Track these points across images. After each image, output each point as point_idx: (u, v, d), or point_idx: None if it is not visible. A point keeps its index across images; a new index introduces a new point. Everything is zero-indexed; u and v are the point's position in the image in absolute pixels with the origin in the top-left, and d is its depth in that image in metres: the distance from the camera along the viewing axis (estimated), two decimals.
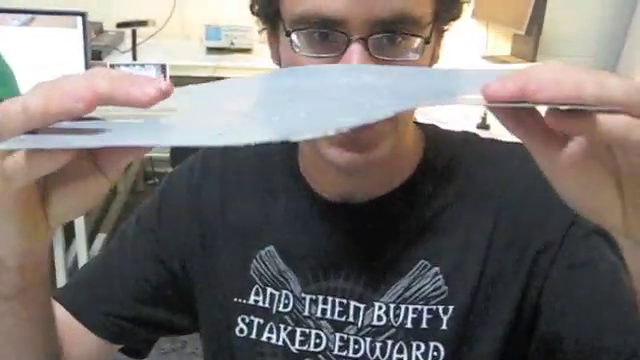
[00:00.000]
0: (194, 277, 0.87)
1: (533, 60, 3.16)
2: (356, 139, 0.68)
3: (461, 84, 0.46)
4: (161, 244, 0.87)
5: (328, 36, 0.66)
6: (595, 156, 0.44)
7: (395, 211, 0.78)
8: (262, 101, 0.50)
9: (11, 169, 0.46)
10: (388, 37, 0.65)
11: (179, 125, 0.46)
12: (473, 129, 2.53)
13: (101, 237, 3.09)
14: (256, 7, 0.74)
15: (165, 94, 0.44)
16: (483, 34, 3.45)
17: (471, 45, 3.39)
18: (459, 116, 2.59)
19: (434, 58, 0.74)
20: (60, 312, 0.82)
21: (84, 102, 0.43)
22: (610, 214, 0.45)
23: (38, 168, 0.46)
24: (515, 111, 0.43)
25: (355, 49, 0.64)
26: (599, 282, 0.69)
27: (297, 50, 0.68)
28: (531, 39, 3.13)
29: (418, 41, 0.67)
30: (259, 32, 0.76)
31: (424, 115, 2.58)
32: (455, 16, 0.73)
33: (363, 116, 0.42)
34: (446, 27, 0.74)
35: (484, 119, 2.59)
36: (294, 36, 0.67)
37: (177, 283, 0.87)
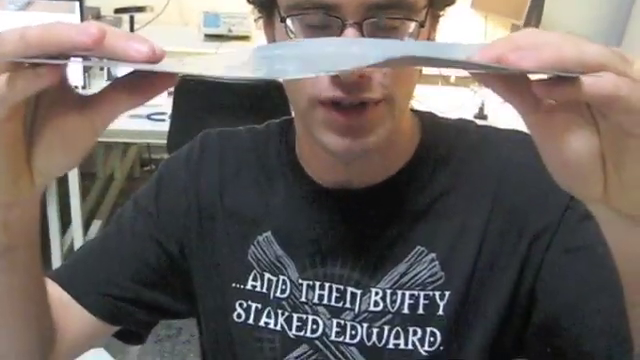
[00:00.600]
0: (192, 261, 0.87)
1: None
2: (354, 125, 0.68)
3: (449, 52, 0.47)
4: (159, 227, 0.87)
5: (323, 21, 0.66)
6: (580, 123, 0.44)
7: (392, 198, 0.79)
8: (252, 60, 0.51)
9: None
10: (382, 21, 0.65)
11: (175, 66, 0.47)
12: (471, 118, 2.53)
13: (97, 223, 3.09)
14: None
15: (157, 55, 0.43)
16: (482, 25, 3.45)
17: (470, 35, 3.39)
18: (457, 106, 2.59)
19: None
20: (56, 291, 0.82)
21: (89, 36, 0.42)
22: (592, 183, 0.46)
23: (18, 90, 0.45)
24: (506, 79, 0.44)
25: (350, 33, 0.64)
26: (595, 266, 0.70)
27: (292, 36, 0.68)
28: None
29: (413, 25, 0.67)
30: (255, 20, 0.77)
31: (422, 104, 2.58)
32: (450, 1, 0.73)
33: (353, 63, 0.43)
34: (441, 12, 0.74)
35: (481, 109, 2.60)
36: (289, 22, 0.67)
37: (175, 266, 0.87)
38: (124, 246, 0.86)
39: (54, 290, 0.81)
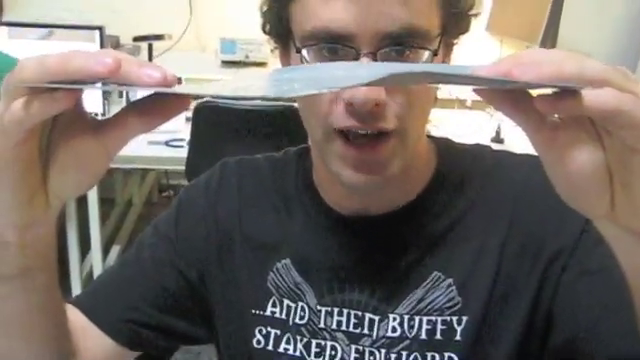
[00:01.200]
0: (211, 287, 0.87)
1: None
2: (367, 160, 0.69)
3: (455, 69, 0.48)
4: (179, 254, 0.87)
5: (337, 51, 0.67)
6: (585, 140, 0.45)
7: (408, 224, 0.79)
8: (261, 83, 0.52)
9: (7, 119, 0.47)
10: (396, 51, 0.67)
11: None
12: (487, 142, 2.53)
13: (116, 249, 3.11)
14: (267, 27, 0.76)
15: (169, 80, 0.45)
16: (497, 48, 3.45)
17: (485, 59, 3.40)
18: (473, 130, 2.59)
19: None
20: (77, 317, 0.83)
21: (104, 65, 0.44)
22: (598, 200, 0.46)
23: (34, 114, 0.46)
24: (509, 95, 0.45)
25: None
26: (612, 288, 0.69)
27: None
28: None
29: (426, 54, 0.68)
30: (271, 51, 0.78)
31: (438, 128, 2.59)
32: (463, 30, 0.75)
33: (357, 81, 0.44)
34: (455, 41, 0.75)
35: (498, 133, 2.60)
36: (304, 52, 0.69)
37: (195, 293, 0.87)
38: (144, 272, 0.87)
39: (75, 316, 0.82)
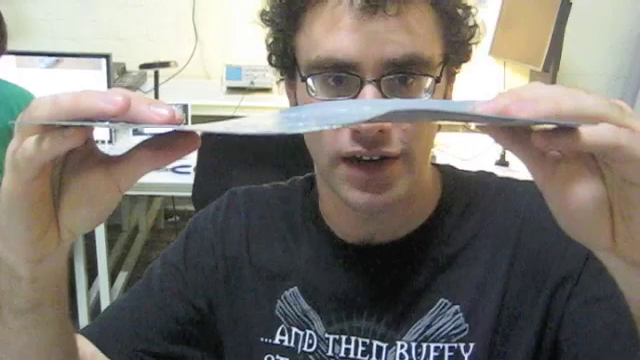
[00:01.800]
0: (220, 316, 0.88)
1: None
2: (372, 180, 0.70)
3: (456, 106, 0.49)
4: (187, 283, 0.88)
5: (342, 79, 0.69)
6: (585, 173, 0.45)
7: (414, 251, 0.80)
8: (266, 122, 0.53)
9: (20, 156, 0.48)
10: (400, 78, 0.68)
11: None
12: (492, 165, 2.54)
13: (123, 275, 3.11)
14: (273, 58, 0.77)
15: (177, 119, 0.46)
16: (501, 71, 3.47)
17: (489, 82, 3.41)
18: (478, 153, 2.60)
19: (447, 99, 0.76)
20: (88, 347, 0.83)
21: (115, 104, 0.45)
22: (599, 232, 0.46)
23: (45, 151, 0.47)
24: (509, 130, 0.45)
25: (368, 90, 0.67)
26: (617, 315, 0.70)
27: (312, 94, 0.70)
28: (548, 75, 3.15)
29: (429, 81, 0.70)
30: (277, 83, 0.80)
31: (443, 152, 2.60)
32: (465, 59, 0.76)
33: (359, 117, 0.45)
34: (457, 70, 0.77)
35: (503, 156, 2.60)
36: (310, 81, 0.70)
37: (204, 321, 0.88)
38: (153, 302, 0.88)
39: (86, 346, 0.82)
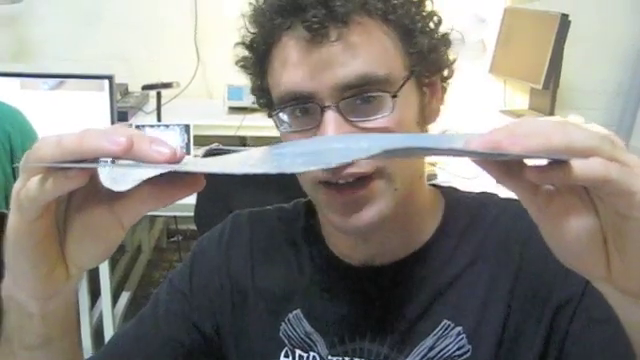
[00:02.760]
0: (225, 338, 0.88)
1: (551, 113, 3.18)
2: (349, 201, 0.71)
3: (449, 141, 0.50)
4: (193, 307, 0.88)
5: (306, 109, 0.71)
6: (579, 206, 0.46)
7: (417, 273, 0.80)
8: (264, 156, 0.55)
9: (24, 196, 0.49)
10: (357, 99, 0.70)
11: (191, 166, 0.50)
12: (494, 184, 2.53)
13: (126, 295, 3.10)
14: (259, 101, 0.80)
15: (178, 157, 0.47)
16: (501, 89, 3.49)
17: (490, 100, 3.43)
18: (480, 171, 2.60)
19: (430, 113, 0.77)
20: None
21: (118, 145, 0.46)
22: (594, 263, 0.47)
23: (48, 191, 0.48)
24: (502, 164, 0.46)
25: (329, 116, 0.69)
26: (620, 337, 0.70)
27: (282, 128, 0.73)
28: (548, 93, 3.17)
29: (387, 97, 0.70)
30: (269, 117, 0.80)
31: (446, 170, 2.60)
32: (434, 69, 0.76)
33: (349, 157, 0.46)
34: (431, 79, 0.77)
35: None
36: (281, 115, 0.73)
37: (210, 345, 0.88)
38: (159, 327, 0.88)
39: None
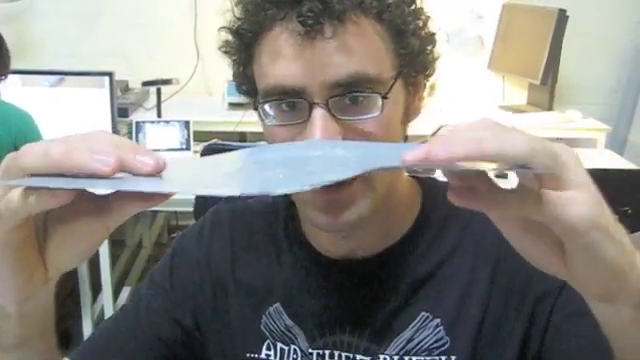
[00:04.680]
0: (207, 333, 0.88)
1: (550, 108, 3.20)
2: (332, 201, 0.71)
3: (385, 161, 0.51)
4: (174, 302, 0.88)
5: (294, 104, 0.70)
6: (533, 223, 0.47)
7: (395, 265, 0.81)
8: (246, 167, 0.54)
9: (4, 207, 0.48)
10: (347, 98, 0.69)
11: (177, 178, 0.50)
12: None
13: (127, 289, 3.12)
14: (240, 88, 0.79)
15: (160, 166, 0.48)
16: (500, 85, 3.50)
17: (488, 96, 3.44)
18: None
19: (413, 111, 0.77)
20: None
21: (107, 165, 0.46)
22: (554, 266, 0.49)
23: (31, 206, 0.47)
24: (465, 176, 0.46)
25: (317, 113, 0.68)
26: (599, 330, 0.71)
27: (267, 121, 0.72)
28: (546, 88, 3.18)
29: (377, 97, 0.70)
30: (254, 108, 0.80)
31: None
32: (421, 69, 0.76)
33: (333, 176, 0.47)
34: (419, 79, 0.77)
35: None
36: (266, 107, 0.72)
37: (190, 340, 0.88)
38: (140, 323, 0.88)
39: None
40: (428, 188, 0.85)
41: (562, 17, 3.05)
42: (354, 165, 0.48)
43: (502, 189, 0.46)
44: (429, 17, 0.76)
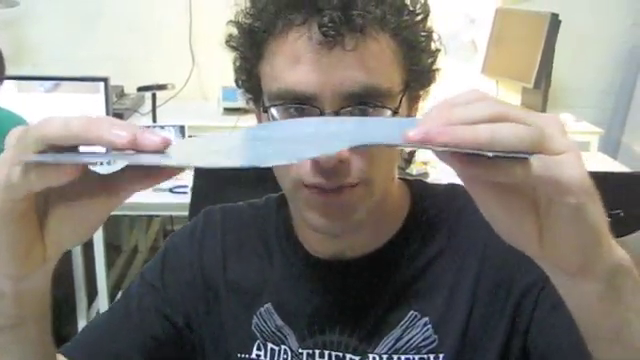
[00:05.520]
0: (198, 332, 0.89)
1: (543, 111, 3.21)
2: (331, 204, 0.72)
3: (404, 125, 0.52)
4: (164, 301, 0.89)
5: (303, 110, 0.71)
6: (516, 189, 0.49)
7: (384, 266, 0.82)
8: (238, 145, 0.55)
9: (17, 177, 0.48)
10: (358, 109, 0.70)
11: (180, 153, 0.51)
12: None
13: None
14: (240, 82, 0.80)
15: (166, 141, 0.48)
16: (494, 89, 3.52)
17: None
18: None
19: None
20: None
21: (123, 139, 0.47)
22: (528, 239, 0.50)
23: (43, 180, 0.48)
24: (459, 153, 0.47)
25: None
26: None
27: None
28: (540, 92, 3.20)
29: (388, 112, 0.72)
30: (247, 102, 0.81)
31: (437, 169, 2.63)
32: (426, 84, 0.78)
33: (323, 150, 0.49)
34: (421, 93, 0.79)
35: None
36: (273, 110, 0.73)
37: (181, 338, 0.89)
38: (131, 320, 0.88)
39: None
40: (417, 190, 0.87)
41: (554, 21, 3.08)
42: (349, 138, 0.49)
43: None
44: (439, 34, 0.78)
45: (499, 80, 3.50)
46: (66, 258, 0.60)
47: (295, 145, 0.51)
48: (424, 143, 0.45)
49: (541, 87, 3.17)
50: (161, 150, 0.48)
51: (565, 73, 3.38)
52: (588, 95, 3.60)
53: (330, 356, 0.82)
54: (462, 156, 0.46)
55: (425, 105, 0.81)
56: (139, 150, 0.47)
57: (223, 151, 0.52)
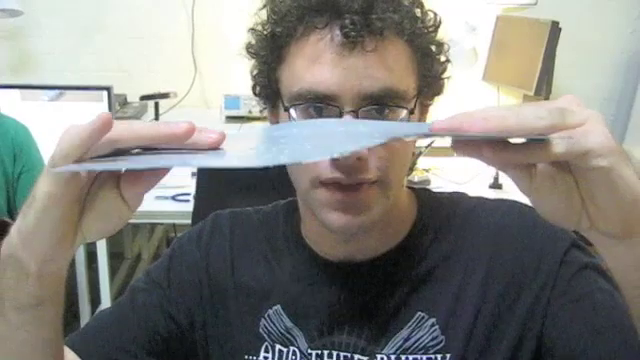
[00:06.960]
0: (204, 333, 0.91)
1: None
2: (349, 202, 0.75)
3: (419, 128, 0.55)
4: (169, 299, 0.91)
5: (322, 110, 0.74)
6: (555, 174, 0.51)
7: (392, 268, 0.84)
8: (272, 141, 0.57)
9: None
10: (376, 109, 0.73)
11: (204, 157, 0.55)
12: (486, 188, 2.58)
13: None
14: (258, 89, 0.82)
15: (223, 139, 0.53)
16: (494, 96, 3.53)
17: (483, 107, 3.46)
18: (472, 176, 2.65)
19: None
20: (69, 354, 0.84)
21: (181, 130, 0.52)
22: (577, 215, 0.52)
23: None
24: (480, 144, 0.50)
25: None
26: (599, 310, 0.74)
27: None
28: (540, 99, 3.20)
29: (404, 112, 0.75)
30: (260, 111, 0.85)
31: (439, 176, 2.65)
32: (437, 92, 0.81)
33: (360, 145, 0.50)
34: (430, 102, 0.82)
35: (496, 179, 2.65)
36: (292, 111, 0.75)
37: (184, 337, 0.90)
38: (136, 316, 0.90)
39: (68, 353, 0.83)
40: (422, 197, 0.89)
41: (555, 29, 3.08)
42: (378, 135, 0.51)
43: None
44: (449, 46, 0.81)
45: (500, 87, 3.51)
46: (69, 265, 0.64)
47: (332, 140, 0.53)
48: (451, 131, 0.47)
49: (542, 94, 3.17)
50: (217, 146, 0.53)
51: (566, 80, 3.39)
52: (589, 102, 3.50)
53: (339, 356, 0.84)
54: (491, 143, 0.48)
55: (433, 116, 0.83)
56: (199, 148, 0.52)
57: (257, 149, 0.55)
